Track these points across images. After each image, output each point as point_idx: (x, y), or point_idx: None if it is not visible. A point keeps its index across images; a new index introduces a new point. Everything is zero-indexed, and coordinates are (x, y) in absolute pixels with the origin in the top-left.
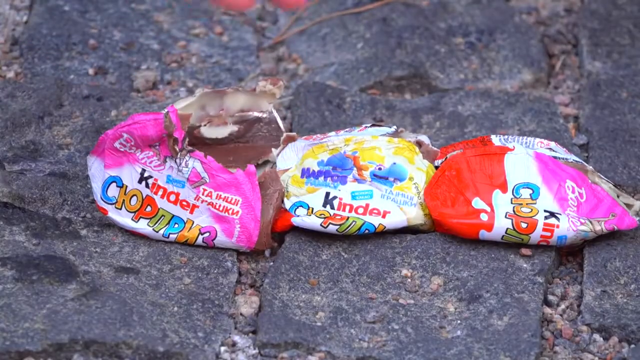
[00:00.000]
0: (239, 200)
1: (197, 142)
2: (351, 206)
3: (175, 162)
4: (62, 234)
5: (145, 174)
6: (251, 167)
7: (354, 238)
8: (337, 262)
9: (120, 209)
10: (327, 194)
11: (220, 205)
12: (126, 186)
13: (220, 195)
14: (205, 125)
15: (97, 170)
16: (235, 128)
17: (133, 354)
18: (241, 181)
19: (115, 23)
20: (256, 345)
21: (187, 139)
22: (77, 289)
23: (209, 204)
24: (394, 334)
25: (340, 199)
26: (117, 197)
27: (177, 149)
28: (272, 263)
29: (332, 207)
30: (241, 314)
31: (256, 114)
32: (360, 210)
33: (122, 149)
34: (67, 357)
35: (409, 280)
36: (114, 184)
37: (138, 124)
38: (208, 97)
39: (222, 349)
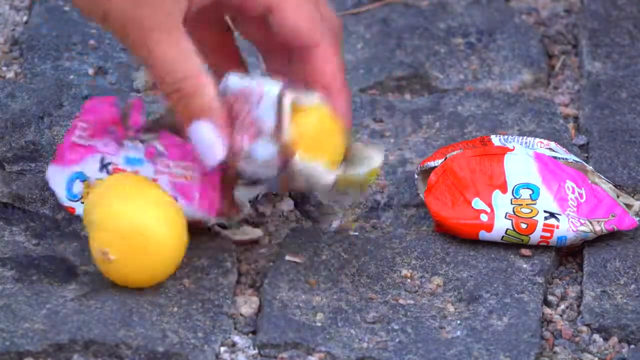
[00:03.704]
0: (196, 168)
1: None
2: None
3: (131, 140)
4: (62, 234)
5: (105, 161)
6: None
7: (354, 238)
8: (337, 263)
9: None
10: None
11: (178, 173)
12: (89, 178)
13: (178, 164)
14: None
15: (57, 176)
16: None
17: (133, 354)
18: None
19: None
20: (256, 345)
21: (144, 128)
22: (77, 289)
23: (167, 173)
24: (393, 334)
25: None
26: (82, 192)
27: (130, 134)
28: (272, 263)
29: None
30: (241, 315)
31: None
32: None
33: (80, 142)
34: (67, 358)
35: (409, 280)
36: (77, 181)
37: (92, 110)
38: None
39: (222, 349)
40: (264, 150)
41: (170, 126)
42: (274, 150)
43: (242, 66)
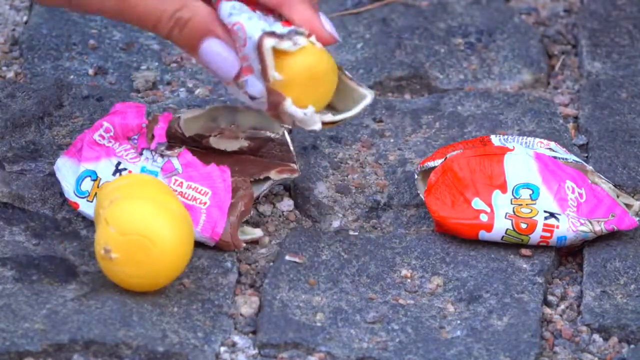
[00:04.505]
0: (208, 192)
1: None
2: None
3: (151, 152)
4: (62, 234)
5: (120, 166)
6: (225, 168)
7: (354, 238)
8: (337, 263)
9: (92, 201)
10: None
11: (189, 195)
12: (100, 179)
13: (191, 185)
14: (215, 136)
15: (68, 169)
16: (245, 143)
17: (133, 354)
18: (214, 176)
19: (115, 23)
20: (256, 345)
21: (165, 144)
22: (77, 289)
23: (178, 193)
24: (393, 334)
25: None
26: (90, 190)
27: (152, 148)
28: (272, 263)
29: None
30: (241, 314)
31: (268, 133)
32: None
33: (101, 142)
34: (67, 358)
35: (409, 280)
36: (88, 178)
37: (119, 113)
38: (220, 110)
39: (222, 349)
40: (254, 87)
41: (200, 137)
42: (262, 88)
43: None
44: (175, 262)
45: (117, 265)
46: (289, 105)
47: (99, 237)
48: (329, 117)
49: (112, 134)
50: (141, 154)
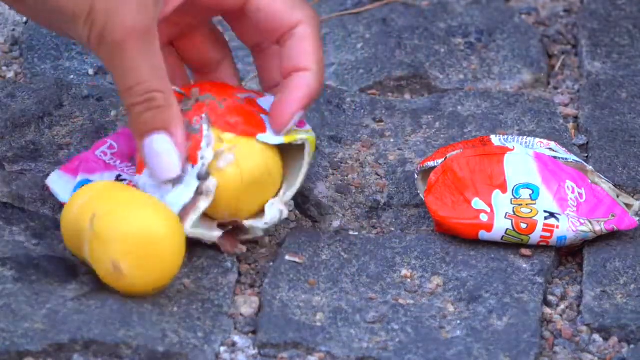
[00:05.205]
0: None
1: None
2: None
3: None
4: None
5: (121, 178)
6: None
7: (354, 238)
8: (337, 263)
9: None
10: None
11: None
12: None
13: None
14: None
15: (64, 183)
16: None
17: (133, 354)
18: None
19: None
20: (256, 345)
21: None
22: (77, 289)
23: None
24: (393, 334)
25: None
26: None
27: None
28: (272, 263)
29: None
30: (241, 314)
31: None
32: None
33: (102, 157)
34: (67, 358)
35: (409, 280)
36: (85, 186)
37: (126, 135)
38: None
39: (222, 349)
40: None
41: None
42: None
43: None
44: (179, 255)
45: (129, 275)
46: (247, 223)
47: (98, 259)
48: (285, 198)
49: (115, 151)
50: (141, 172)
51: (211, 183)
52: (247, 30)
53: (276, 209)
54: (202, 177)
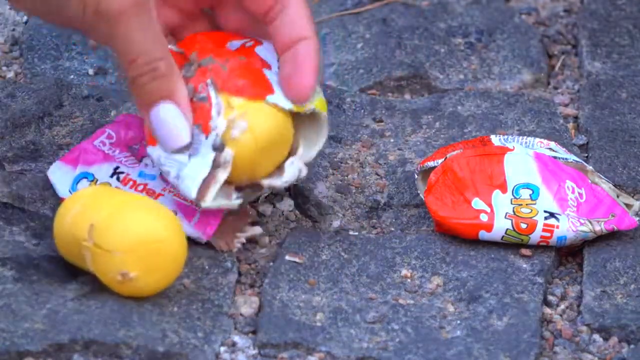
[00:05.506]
0: None
1: None
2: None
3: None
4: None
5: (119, 170)
6: None
7: (354, 238)
8: (337, 262)
9: None
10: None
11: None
12: (97, 179)
13: None
14: None
15: (64, 173)
16: None
17: (133, 354)
18: None
19: None
20: (256, 345)
21: None
22: (77, 289)
23: (174, 194)
24: (393, 334)
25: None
26: None
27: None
28: (272, 263)
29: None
30: (241, 314)
31: None
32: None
33: (101, 147)
34: (67, 358)
35: (409, 280)
36: (84, 180)
37: (124, 123)
38: None
39: (222, 349)
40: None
41: None
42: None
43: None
44: (183, 255)
45: (138, 283)
46: (266, 183)
47: (103, 270)
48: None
49: (113, 140)
50: (140, 160)
51: (228, 153)
52: (230, 15)
53: (295, 167)
54: (218, 148)
